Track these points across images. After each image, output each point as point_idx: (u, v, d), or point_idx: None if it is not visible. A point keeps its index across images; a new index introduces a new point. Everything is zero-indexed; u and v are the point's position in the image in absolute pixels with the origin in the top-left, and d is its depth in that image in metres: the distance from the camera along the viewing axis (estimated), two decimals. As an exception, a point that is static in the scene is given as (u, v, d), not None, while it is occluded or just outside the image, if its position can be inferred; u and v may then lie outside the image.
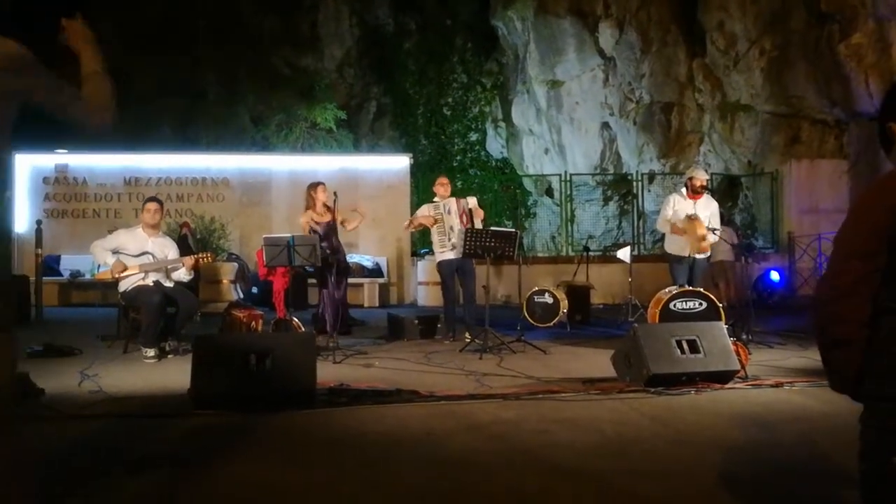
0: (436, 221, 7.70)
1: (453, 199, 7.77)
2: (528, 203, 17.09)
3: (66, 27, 2.39)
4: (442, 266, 7.72)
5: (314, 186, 7.49)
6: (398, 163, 13.73)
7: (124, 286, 6.46)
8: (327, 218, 7.35)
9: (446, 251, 7.63)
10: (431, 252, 12.72)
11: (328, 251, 7.10)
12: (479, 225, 7.52)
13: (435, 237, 7.77)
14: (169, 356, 6.43)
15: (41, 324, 9.34)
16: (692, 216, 7.31)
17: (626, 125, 15.41)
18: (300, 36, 17.49)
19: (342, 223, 7.65)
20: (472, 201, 7.76)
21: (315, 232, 7.28)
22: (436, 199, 7.89)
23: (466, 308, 7.70)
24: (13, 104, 2.17)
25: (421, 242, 14.28)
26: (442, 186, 7.84)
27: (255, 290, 11.64)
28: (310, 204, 7.49)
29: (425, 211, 7.91)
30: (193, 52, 15.93)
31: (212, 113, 16.21)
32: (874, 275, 1.58)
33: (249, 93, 16.34)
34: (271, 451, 3.63)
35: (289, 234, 6.79)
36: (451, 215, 7.65)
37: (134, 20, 15.90)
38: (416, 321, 7.85)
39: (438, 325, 7.90)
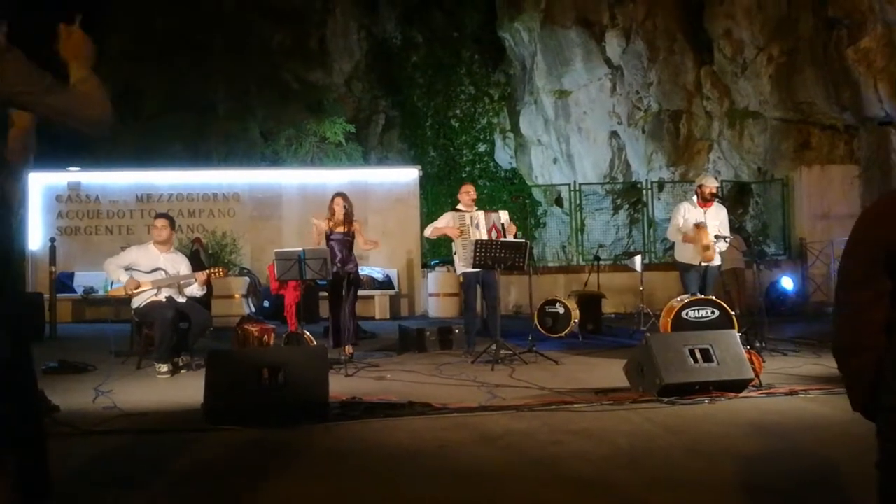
0: (461, 233, 7.37)
1: (482, 213, 7.46)
2: (538, 213, 17.10)
3: (65, 34, 2.16)
4: (466, 277, 7.45)
5: (332, 197, 7.36)
6: (407, 175, 13.79)
7: (137, 302, 6.50)
8: (342, 229, 7.21)
9: (470, 266, 7.23)
10: (442, 263, 12.80)
11: (338, 264, 7.04)
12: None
13: (459, 250, 7.42)
14: (182, 371, 6.46)
15: (55, 340, 9.41)
16: (699, 224, 7.28)
17: (634, 134, 15.41)
18: (309, 50, 17.63)
19: (356, 234, 7.28)
20: (504, 216, 7.47)
21: (330, 240, 7.17)
22: (459, 206, 7.59)
23: (489, 319, 7.47)
24: None
25: (431, 254, 14.29)
26: (466, 194, 7.51)
27: (266, 304, 11.68)
28: (329, 213, 7.34)
29: (449, 219, 7.55)
30: (204, 68, 16.06)
31: (222, 128, 16.34)
32: (884, 300, 1.64)
33: (259, 108, 16.47)
34: (285, 464, 3.64)
35: (300, 248, 6.80)
36: (480, 229, 7.32)
37: (144, 36, 16.07)
38: (428, 333, 7.84)
39: (451, 337, 7.85)
